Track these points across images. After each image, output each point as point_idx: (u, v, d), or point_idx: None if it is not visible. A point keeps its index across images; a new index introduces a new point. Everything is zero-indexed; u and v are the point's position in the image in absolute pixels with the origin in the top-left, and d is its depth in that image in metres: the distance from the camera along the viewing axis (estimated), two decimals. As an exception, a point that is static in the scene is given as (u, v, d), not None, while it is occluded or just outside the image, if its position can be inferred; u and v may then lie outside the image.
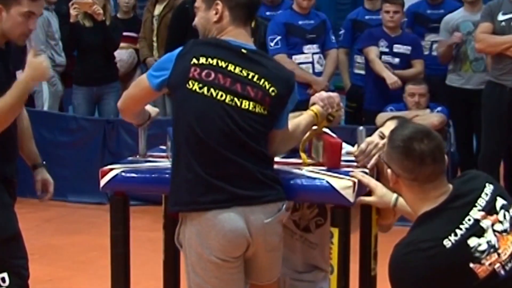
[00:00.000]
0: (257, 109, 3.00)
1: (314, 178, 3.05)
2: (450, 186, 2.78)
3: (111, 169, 3.20)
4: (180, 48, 3.06)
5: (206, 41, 3.09)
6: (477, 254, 2.64)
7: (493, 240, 2.67)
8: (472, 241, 2.65)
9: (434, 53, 7.02)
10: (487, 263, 2.64)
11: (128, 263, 3.28)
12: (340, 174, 3.09)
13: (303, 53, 6.78)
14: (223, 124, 2.95)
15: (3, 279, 3.42)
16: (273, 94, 3.02)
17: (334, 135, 3.34)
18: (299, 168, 3.21)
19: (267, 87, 3.02)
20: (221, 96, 2.97)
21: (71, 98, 7.56)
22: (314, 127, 3.27)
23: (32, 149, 3.75)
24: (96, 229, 6.10)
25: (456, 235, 2.65)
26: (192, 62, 2.99)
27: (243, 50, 3.04)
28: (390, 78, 6.60)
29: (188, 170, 2.97)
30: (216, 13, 3.06)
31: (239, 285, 3.08)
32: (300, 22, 6.80)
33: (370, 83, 6.86)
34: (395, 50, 6.82)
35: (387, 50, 6.81)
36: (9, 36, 3.45)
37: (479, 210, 2.71)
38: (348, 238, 3.03)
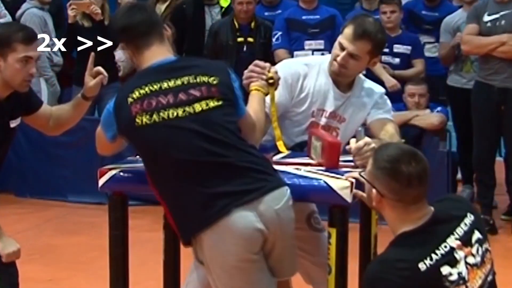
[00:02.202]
0: (211, 104, 2.99)
1: (312, 178, 3.06)
2: (431, 208, 2.80)
3: (110, 169, 3.22)
4: (113, 100, 3.10)
5: (131, 78, 3.18)
6: (447, 284, 2.67)
7: (464, 272, 2.70)
8: (445, 270, 2.68)
9: (427, 54, 7.01)
10: None
11: (126, 263, 3.29)
12: (338, 174, 3.10)
13: (303, 49, 6.77)
14: (193, 135, 2.94)
15: None
16: (215, 82, 3.03)
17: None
18: (297, 169, 3.22)
19: (207, 79, 3.03)
20: (173, 113, 2.97)
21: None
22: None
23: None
24: (96, 229, 6.09)
25: (431, 259, 2.68)
26: (129, 103, 3.01)
27: (166, 66, 3.08)
28: (389, 81, 6.55)
29: (185, 196, 2.93)
30: (128, 51, 3.19)
31: (269, 285, 3.04)
32: (303, 17, 6.82)
33: (370, 83, 6.84)
34: (395, 50, 6.80)
35: (387, 50, 6.75)
36: (11, 85, 3.37)
37: (456, 239, 2.74)
38: (346, 238, 3.04)
